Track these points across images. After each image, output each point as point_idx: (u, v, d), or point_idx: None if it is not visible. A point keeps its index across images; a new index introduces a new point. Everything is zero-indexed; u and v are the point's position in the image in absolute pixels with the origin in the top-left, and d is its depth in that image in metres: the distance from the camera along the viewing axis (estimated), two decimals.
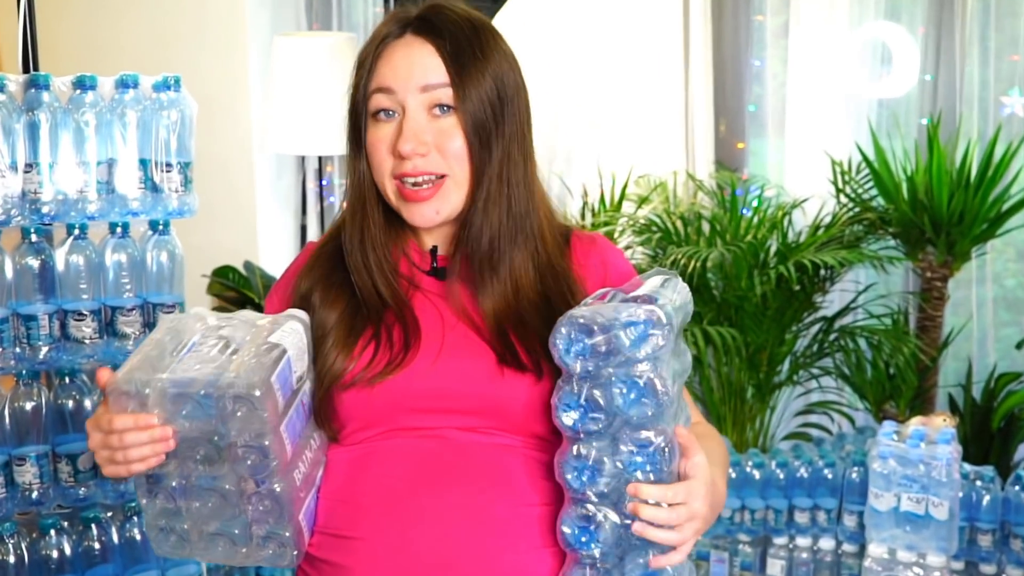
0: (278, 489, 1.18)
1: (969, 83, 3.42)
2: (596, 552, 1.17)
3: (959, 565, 2.74)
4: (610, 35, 3.62)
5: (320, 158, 3.90)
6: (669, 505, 1.13)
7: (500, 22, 3.39)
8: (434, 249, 1.34)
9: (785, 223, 3.31)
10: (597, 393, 1.14)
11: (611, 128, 3.62)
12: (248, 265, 3.67)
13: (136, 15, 3.58)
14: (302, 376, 1.25)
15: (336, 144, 3.47)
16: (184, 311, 2.09)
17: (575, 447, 1.17)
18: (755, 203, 3.39)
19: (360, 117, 1.29)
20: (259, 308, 3.58)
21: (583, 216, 3.47)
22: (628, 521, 1.15)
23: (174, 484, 1.19)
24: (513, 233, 1.29)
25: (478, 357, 1.25)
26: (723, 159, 3.64)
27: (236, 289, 3.59)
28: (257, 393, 1.13)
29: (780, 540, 2.93)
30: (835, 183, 3.34)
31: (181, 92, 2.02)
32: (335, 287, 1.32)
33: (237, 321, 1.26)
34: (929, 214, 3.08)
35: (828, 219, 3.32)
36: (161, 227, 2.05)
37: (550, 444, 1.26)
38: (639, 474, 1.15)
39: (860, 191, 3.32)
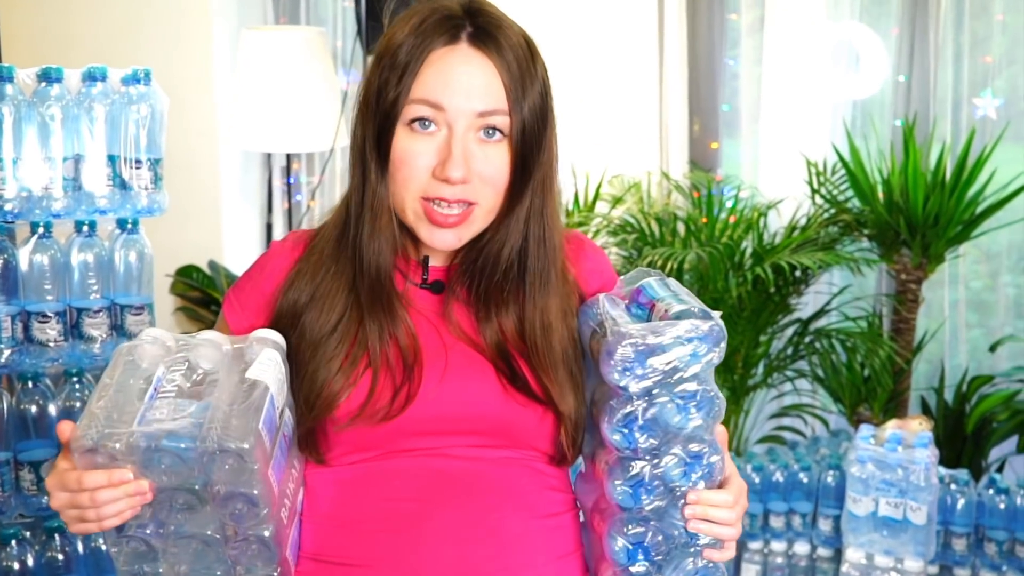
0: (267, 535, 1.12)
1: (943, 84, 3.44)
2: (644, 566, 1.19)
3: (934, 569, 2.76)
4: (583, 32, 3.61)
5: (287, 155, 3.85)
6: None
7: None
8: (426, 260, 1.27)
9: (760, 224, 3.31)
10: (654, 412, 1.14)
11: (584, 127, 3.60)
12: (212, 264, 3.61)
13: (99, 5, 3.50)
14: (283, 409, 1.18)
15: (303, 142, 3.42)
16: (152, 313, 2.04)
17: (629, 465, 1.16)
18: (730, 204, 3.38)
19: (389, 120, 1.18)
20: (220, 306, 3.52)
21: (567, 214, 3.45)
22: (676, 531, 1.18)
23: (149, 531, 1.12)
24: (534, 263, 1.23)
25: (483, 379, 1.21)
26: (697, 159, 3.64)
27: (200, 289, 3.53)
28: (246, 446, 1.06)
29: (755, 545, 2.94)
30: (811, 184, 3.35)
31: (152, 86, 1.98)
32: (329, 295, 1.23)
33: (202, 347, 1.18)
34: (905, 216, 3.10)
35: (804, 221, 3.33)
36: (130, 226, 2.01)
37: (554, 459, 1.26)
38: (699, 483, 1.17)
39: (836, 192, 3.33)
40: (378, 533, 1.18)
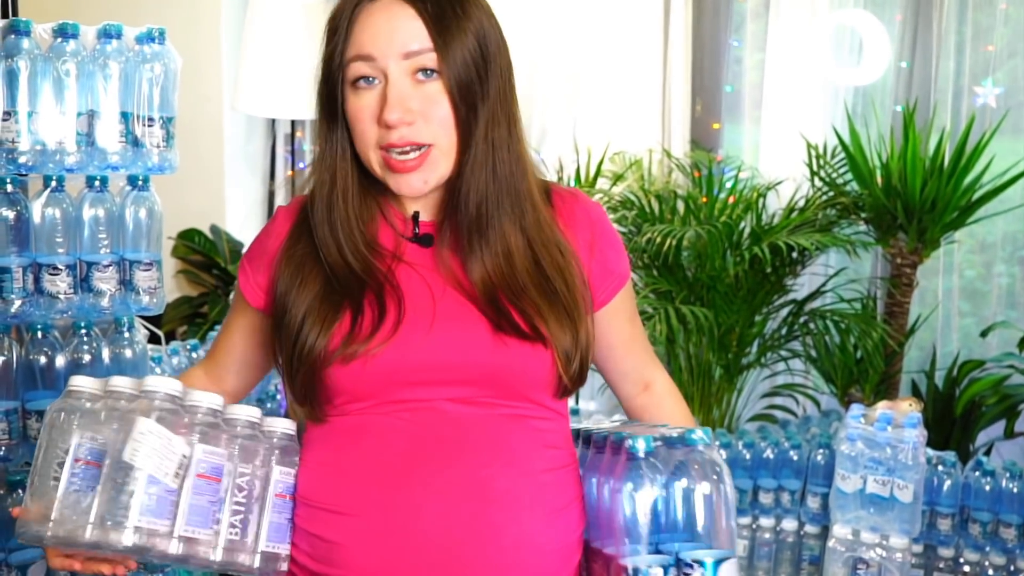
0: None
1: (944, 72, 3.47)
2: None
3: (918, 548, 2.80)
4: (589, 10, 3.63)
5: (292, 122, 3.87)
6: None
7: None
8: (415, 215, 1.30)
9: (759, 205, 3.34)
10: None
11: (587, 103, 3.63)
12: (215, 229, 3.64)
13: None
14: (181, 463, 1.19)
15: (307, 109, 3.44)
16: (161, 270, 2.07)
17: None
18: (730, 184, 3.41)
19: (336, 85, 1.23)
20: (224, 272, 3.56)
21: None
22: None
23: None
24: (499, 197, 1.25)
25: (472, 326, 1.22)
26: (698, 139, 3.67)
27: (202, 252, 3.56)
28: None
29: (744, 520, 2.98)
30: (810, 166, 3.38)
31: (165, 45, 1.98)
32: (307, 268, 1.27)
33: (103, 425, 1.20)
34: (902, 200, 3.13)
35: (802, 202, 3.36)
36: (141, 183, 2.01)
37: (548, 409, 1.26)
38: None
39: (835, 175, 3.36)
40: (369, 484, 1.20)
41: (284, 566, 1.25)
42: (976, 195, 3.16)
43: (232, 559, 1.22)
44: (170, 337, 3.39)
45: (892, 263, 3.32)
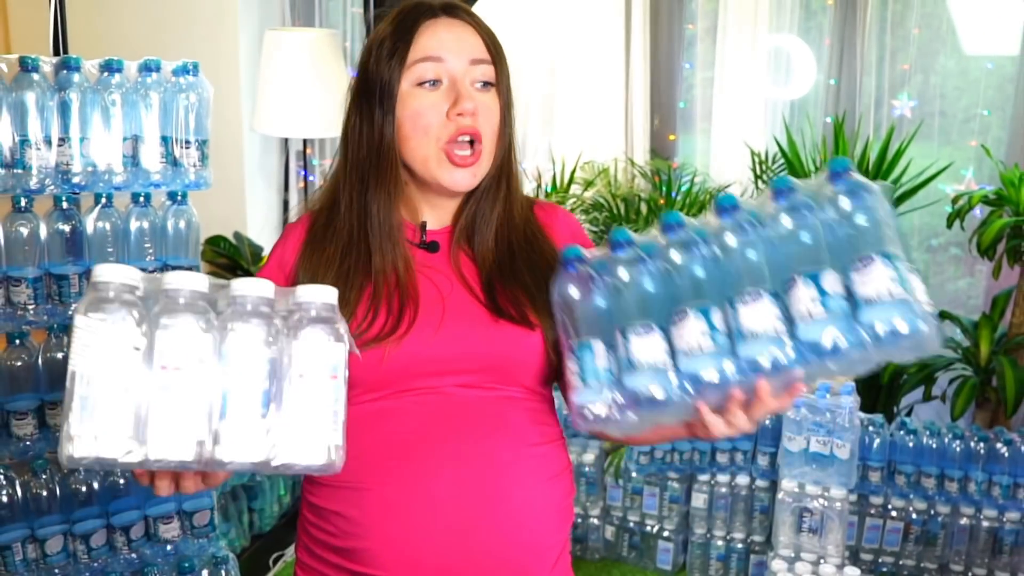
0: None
1: (866, 87, 3.49)
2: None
3: (854, 497, 2.83)
4: (560, 40, 3.63)
5: (303, 141, 3.85)
6: None
7: None
8: (424, 224, 1.26)
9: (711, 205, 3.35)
10: None
11: (561, 120, 3.63)
12: (237, 235, 3.61)
13: (140, 8, 3.47)
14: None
15: (316, 129, 3.42)
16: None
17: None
18: (685, 187, 3.42)
19: (393, 84, 1.17)
20: (247, 272, 3.53)
21: (537, 196, 3.48)
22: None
23: None
24: (508, 206, 1.25)
25: (476, 320, 1.20)
26: (657, 149, 3.68)
27: (227, 255, 3.53)
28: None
29: (703, 477, 3.00)
30: (754, 171, 3.39)
31: (199, 76, 1.97)
32: (321, 271, 1.20)
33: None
34: None
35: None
36: (180, 198, 2.00)
37: (537, 394, 1.24)
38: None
39: (775, 178, 3.37)
40: (386, 461, 1.16)
41: (336, 455, 1.00)
42: (896, 194, 3.19)
43: (257, 458, 0.94)
44: None
45: None
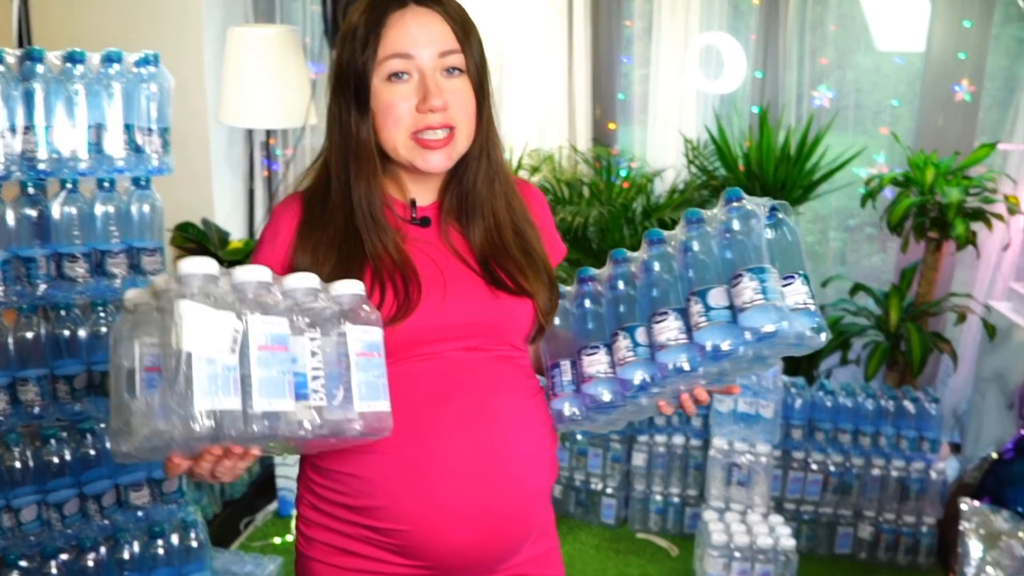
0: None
1: (789, 80, 3.51)
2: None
3: (778, 453, 2.88)
4: (508, 36, 3.59)
5: (266, 132, 3.78)
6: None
7: None
8: (413, 201, 1.24)
9: (648, 188, 3.36)
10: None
11: (509, 110, 3.60)
12: (205, 221, 3.54)
13: (106, 5, 3.37)
14: (235, 338, 0.92)
15: (278, 120, 3.36)
16: (164, 255, 2.01)
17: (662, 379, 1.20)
18: (624, 173, 3.42)
19: (366, 79, 1.15)
20: (216, 257, 3.46)
21: None
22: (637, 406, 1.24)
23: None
24: (491, 179, 1.23)
25: (475, 289, 1.20)
26: (598, 137, 3.67)
27: (196, 241, 3.46)
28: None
29: (643, 438, 3.02)
30: (687, 157, 3.41)
31: (160, 67, 1.92)
32: (322, 243, 1.18)
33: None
34: (759, 182, 3.17)
35: (682, 185, 3.39)
36: (143, 183, 1.95)
37: (521, 350, 1.26)
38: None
39: (706, 164, 3.39)
40: (399, 424, 1.10)
41: (388, 422, 1.06)
42: (815, 177, 3.23)
43: (330, 426, 0.97)
44: None
45: None
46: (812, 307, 1.13)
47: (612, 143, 3.67)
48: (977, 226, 3.08)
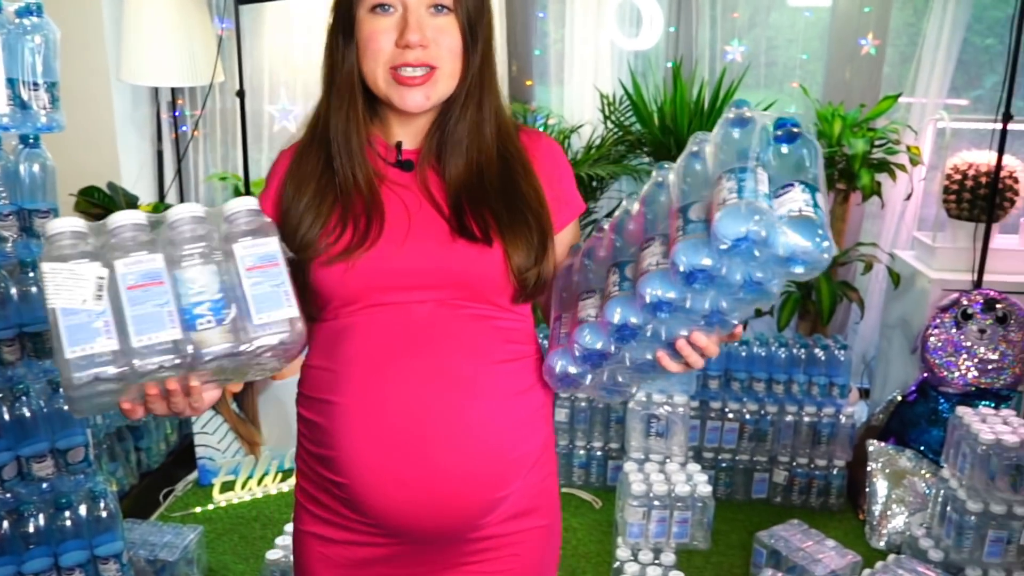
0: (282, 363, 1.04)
1: (702, 36, 3.53)
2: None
3: (695, 403, 2.94)
4: None
5: (172, 91, 3.64)
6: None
7: None
8: (399, 144, 1.20)
9: (566, 144, 3.36)
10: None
11: None
12: (111, 185, 3.40)
13: None
14: (99, 286, 0.96)
15: (185, 78, 3.23)
16: (58, 215, 1.92)
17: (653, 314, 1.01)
18: (542, 129, 3.41)
19: (352, 9, 1.14)
20: None
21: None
22: (641, 357, 1.07)
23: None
24: (481, 125, 1.18)
25: (437, 235, 1.15)
26: (516, 94, 3.64)
27: (102, 206, 3.32)
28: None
29: (563, 393, 3.04)
30: (603, 112, 3.41)
31: (44, 18, 1.81)
32: (306, 176, 1.18)
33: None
34: (674, 136, 3.20)
35: (598, 141, 3.40)
36: (32, 141, 1.85)
37: (507, 311, 1.19)
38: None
39: (622, 119, 3.40)
40: (351, 375, 1.13)
41: (298, 327, 1.03)
42: None
43: (226, 345, 0.98)
44: None
45: None
46: (813, 217, 0.91)
47: (530, 100, 3.64)
48: (882, 177, 3.17)
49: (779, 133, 0.96)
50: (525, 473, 1.20)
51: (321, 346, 1.19)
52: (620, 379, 1.11)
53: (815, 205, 0.92)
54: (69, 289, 0.93)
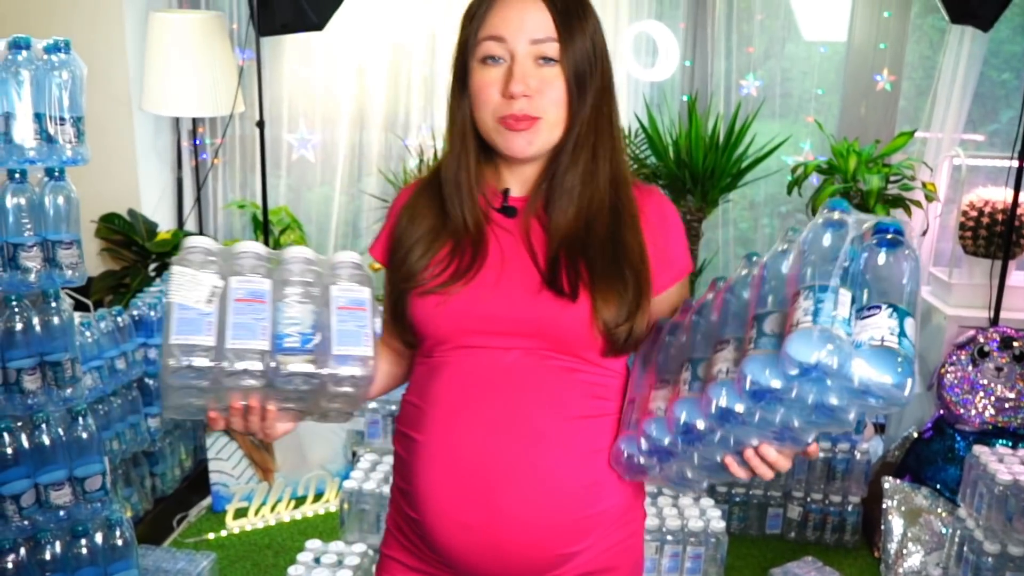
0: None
1: (718, 69, 3.56)
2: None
3: None
4: (440, 24, 3.57)
5: (193, 120, 3.69)
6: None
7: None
8: (506, 190, 1.22)
9: None
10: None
11: (441, 99, 3.58)
12: (131, 212, 3.45)
13: None
14: (212, 292, 1.08)
15: (205, 108, 3.28)
16: (81, 247, 1.95)
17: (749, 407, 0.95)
18: None
19: (467, 62, 1.18)
20: (142, 248, 3.38)
21: (420, 171, 3.43)
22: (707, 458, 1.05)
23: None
24: (596, 176, 1.18)
25: (526, 283, 1.15)
26: None
27: (122, 232, 3.37)
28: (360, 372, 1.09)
29: (630, 480, 3.04)
30: None
31: (71, 54, 1.85)
32: (422, 210, 1.23)
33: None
34: (689, 170, 3.21)
35: None
36: (57, 174, 1.89)
37: (597, 366, 1.18)
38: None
39: (638, 152, 3.42)
40: (435, 416, 1.17)
41: (370, 364, 1.10)
42: (744, 164, 3.28)
43: (304, 365, 1.07)
44: (98, 305, 3.21)
45: (683, 219, 3.40)
46: (896, 348, 0.85)
47: None
48: (897, 213, 3.18)
49: (880, 238, 0.90)
50: (604, 530, 1.19)
51: (416, 382, 1.24)
52: (689, 475, 1.09)
53: (901, 334, 0.86)
54: (188, 290, 1.06)
